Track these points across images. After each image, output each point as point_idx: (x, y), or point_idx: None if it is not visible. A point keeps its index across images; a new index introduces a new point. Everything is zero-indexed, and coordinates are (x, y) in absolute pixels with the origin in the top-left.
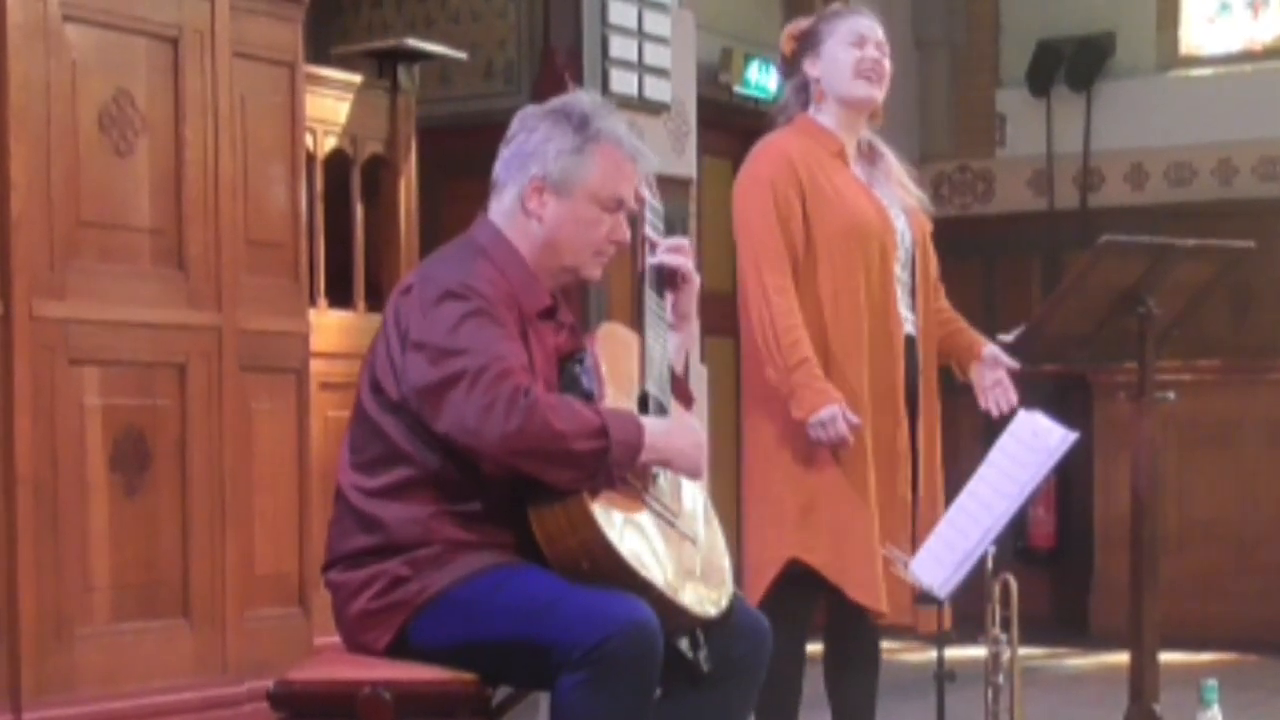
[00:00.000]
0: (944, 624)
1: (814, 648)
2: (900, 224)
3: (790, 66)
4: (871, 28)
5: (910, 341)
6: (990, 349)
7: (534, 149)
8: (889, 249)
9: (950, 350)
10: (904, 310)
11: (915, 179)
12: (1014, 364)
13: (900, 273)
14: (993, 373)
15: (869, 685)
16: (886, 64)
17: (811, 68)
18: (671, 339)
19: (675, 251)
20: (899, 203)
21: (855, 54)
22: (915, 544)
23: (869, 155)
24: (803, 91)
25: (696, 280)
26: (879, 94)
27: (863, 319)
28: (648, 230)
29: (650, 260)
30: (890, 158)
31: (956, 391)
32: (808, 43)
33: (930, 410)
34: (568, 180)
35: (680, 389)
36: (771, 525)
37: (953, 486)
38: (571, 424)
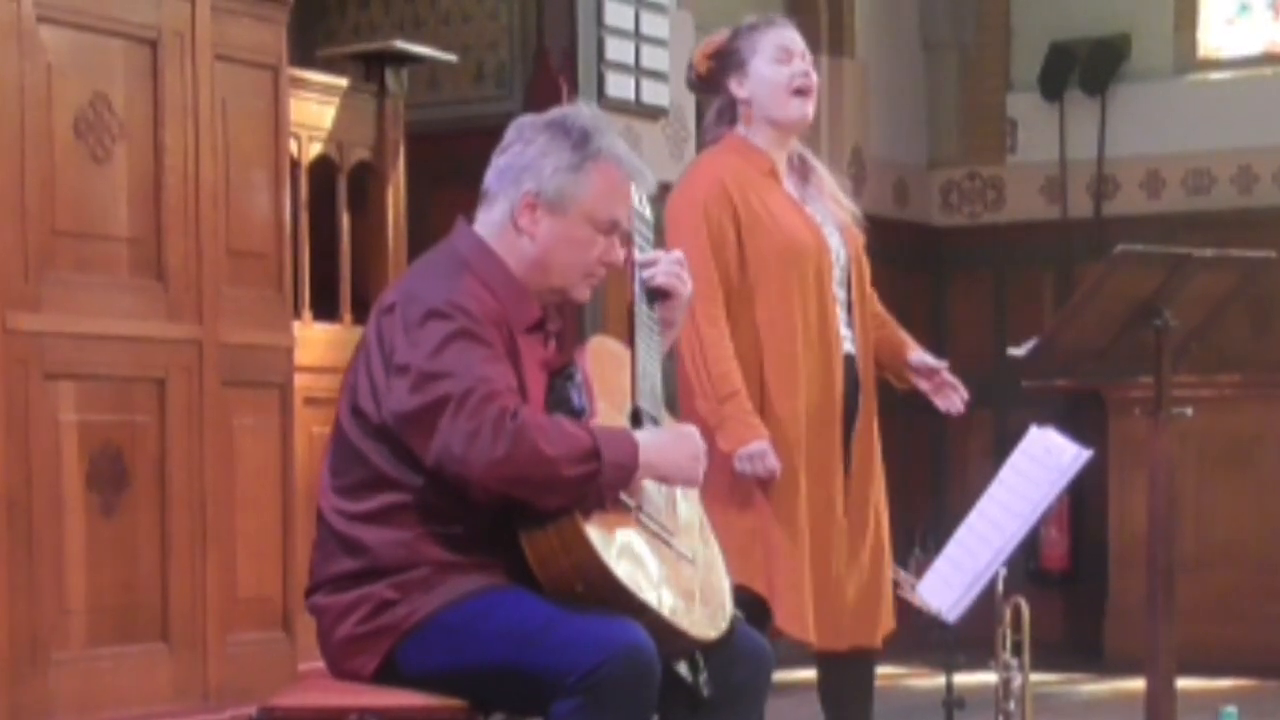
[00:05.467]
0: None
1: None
2: (835, 242)
3: (706, 85)
4: (794, 39)
5: (849, 360)
6: (914, 358)
7: (530, 163)
8: (825, 269)
9: (884, 356)
10: (843, 329)
11: (846, 189)
12: (940, 364)
13: (838, 291)
14: (931, 380)
15: (864, 708)
16: (814, 75)
17: (739, 89)
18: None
19: (675, 268)
20: (832, 219)
21: (784, 71)
22: (850, 562)
23: (800, 170)
24: (728, 111)
25: (687, 294)
26: (811, 110)
27: (798, 344)
28: (638, 241)
29: (643, 275)
30: (821, 171)
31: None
32: (729, 62)
33: (867, 426)
34: (563, 199)
35: None
36: None
37: (962, 505)
38: (561, 448)
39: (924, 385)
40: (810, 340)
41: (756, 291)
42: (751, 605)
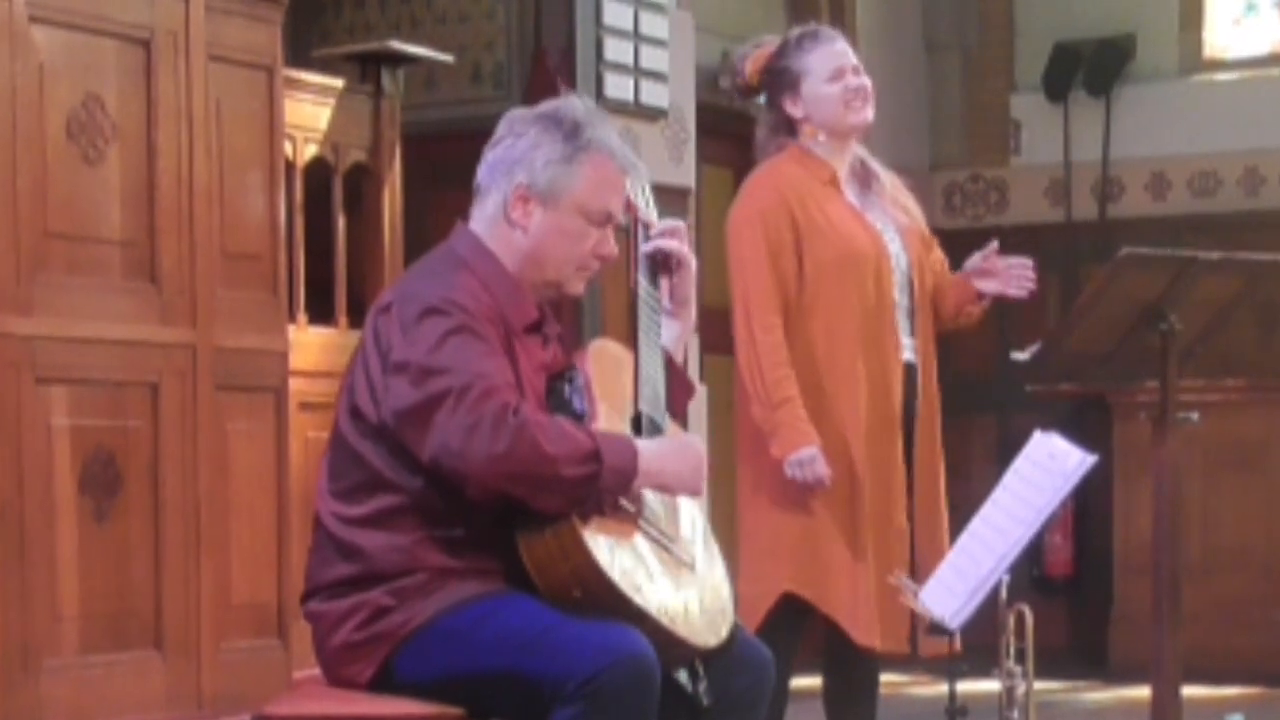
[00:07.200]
0: (953, 646)
1: (814, 681)
2: (895, 248)
3: (755, 93)
4: (844, 54)
5: (910, 369)
6: (967, 265)
7: (521, 155)
8: (884, 276)
9: (956, 298)
10: (903, 337)
11: (909, 189)
12: (989, 247)
13: (899, 297)
14: (989, 276)
15: (868, 716)
16: (868, 82)
17: (793, 108)
18: (670, 326)
19: (671, 235)
20: (893, 224)
21: (839, 87)
22: (915, 574)
23: (861, 176)
24: (783, 127)
25: (694, 264)
26: (871, 113)
27: (857, 351)
28: (640, 214)
29: (644, 246)
30: (883, 177)
31: (966, 411)
32: (781, 80)
33: (929, 437)
34: (555, 190)
35: (679, 379)
36: (767, 559)
37: (965, 510)
38: (562, 447)
39: (992, 286)
40: (869, 348)
41: (816, 300)
42: (792, 610)
